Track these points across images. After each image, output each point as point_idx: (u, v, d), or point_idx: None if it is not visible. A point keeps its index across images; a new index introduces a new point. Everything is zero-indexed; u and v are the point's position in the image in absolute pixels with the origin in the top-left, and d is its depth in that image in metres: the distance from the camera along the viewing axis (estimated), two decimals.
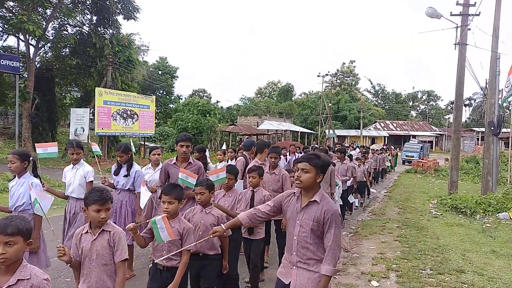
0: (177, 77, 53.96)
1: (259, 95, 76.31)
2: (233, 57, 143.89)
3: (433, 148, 62.04)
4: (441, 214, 11.07)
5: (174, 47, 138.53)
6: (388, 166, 21.37)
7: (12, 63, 21.41)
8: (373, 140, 58.71)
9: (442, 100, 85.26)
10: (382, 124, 66.03)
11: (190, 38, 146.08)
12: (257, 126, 46.26)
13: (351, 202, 10.76)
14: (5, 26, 23.47)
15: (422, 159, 29.20)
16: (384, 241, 7.94)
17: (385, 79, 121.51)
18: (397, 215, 10.90)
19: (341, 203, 8.83)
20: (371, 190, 13.85)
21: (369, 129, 62.81)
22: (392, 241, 7.91)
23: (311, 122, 60.31)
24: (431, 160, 27.01)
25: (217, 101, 57.07)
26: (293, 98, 68.53)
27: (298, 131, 50.99)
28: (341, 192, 8.77)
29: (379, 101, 79.89)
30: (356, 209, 11.80)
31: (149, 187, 5.79)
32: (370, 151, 16.42)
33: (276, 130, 47.86)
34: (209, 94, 62.26)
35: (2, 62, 20.54)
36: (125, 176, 5.59)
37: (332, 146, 17.38)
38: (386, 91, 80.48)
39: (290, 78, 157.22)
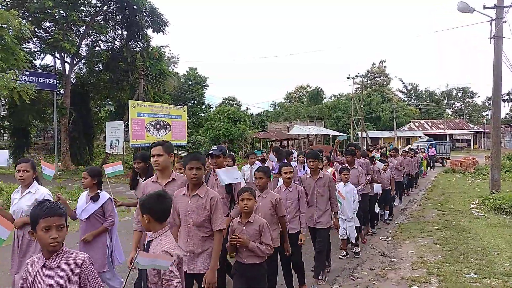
0: (207, 86, 54.62)
1: (288, 100, 76.14)
2: (261, 63, 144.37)
3: (471, 147, 59.93)
4: (484, 215, 10.61)
5: (203, 57, 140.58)
6: (420, 170, 18.97)
7: (49, 81, 22.34)
8: (408, 140, 57.29)
9: (478, 96, 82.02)
10: (417, 124, 64.41)
11: (218, 47, 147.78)
12: (288, 131, 46.13)
13: (376, 211, 9.44)
14: (43, 45, 24.51)
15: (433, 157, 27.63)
16: (424, 244, 7.69)
17: (417, 78, 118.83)
18: (436, 217, 10.54)
19: (358, 224, 7.10)
20: (394, 203, 11.33)
21: (403, 129, 61.39)
22: (432, 244, 7.65)
23: (342, 124, 59.59)
24: (470, 158, 26.00)
25: (247, 108, 57.23)
26: (323, 102, 67.94)
27: (329, 135, 50.45)
28: (357, 208, 6.99)
29: (412, 101, 78.05)
30: (388, 223, 10.08)
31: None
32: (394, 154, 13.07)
33: (307, 134, 47.56)
34: (239, 101, 62.59)
35: (40, 80, 21.43)
36: None
37: (368, 147, 16.73)
38: (419, 90, 78.60)
39: (320, 81, 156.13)
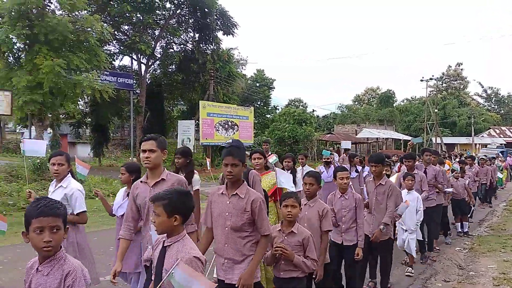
0: (274, 88, 54.89)
1: (356, 103, 74.28)
2: (327, 65, 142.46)
3: None
4: None
5: (270, 59, 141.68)
6: (498, 181, 16.44)
7: (127, 81, 23.70)
8: None
9: None
10: (497, 131, 59.72)
11: (285, 49, 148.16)
12: (356, 134, 44.96)
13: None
14: (121, 47, 26.07)
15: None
16: (507, 259, 7.05)
17: (498, 82, 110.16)
18: None
19: (420, 238, 6.47)
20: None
21: (482, 136, 57.23)
22: None
23: (415, 129, 56.88)
24: None
25: (313, 110, 56.66)
26: (394, 105, 65.37)
27: (400, 139, 48.43)
28: (421, 219, 6.30)
29: (493, 106, 72.62)
30: (460, 236, 9.09)
31: None
32: (474, 162, 12.17)
33: (377, 138, 46.03)
34: (305, 103, 62.15)
35: (119, 80, 22.79)
36: None
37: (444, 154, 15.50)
38: (500, 94, 72.91)
39: (390, 84, 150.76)
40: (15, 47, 16.20)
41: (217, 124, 23.08)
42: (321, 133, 43.35)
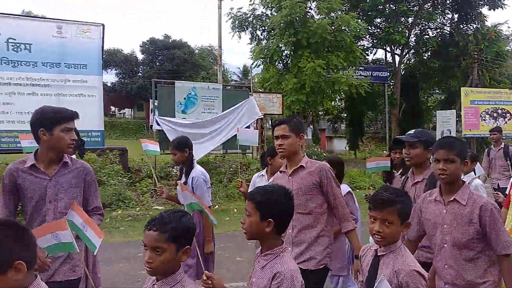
0: None
1: None
2: None
3: None
4: None
5: None
6: None
7: (381, 74, 23.82)
8: None
9: None
10: None
11: None
12: None
13: None
14: (374, 41, 26.23)
15: None
16: None
17: None
18: None
19: None
20: None
21: None
22: None
23: None
24: None
25: None
26: None
27: None
28: None
29: None
30: None
31: None
32: None
33: None
34: None
35: (373, 73, 23.11)
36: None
37: None
38: None
39: None
40: (283, 54, 18.49)
41: (483, 112, 20.41)
42: None
